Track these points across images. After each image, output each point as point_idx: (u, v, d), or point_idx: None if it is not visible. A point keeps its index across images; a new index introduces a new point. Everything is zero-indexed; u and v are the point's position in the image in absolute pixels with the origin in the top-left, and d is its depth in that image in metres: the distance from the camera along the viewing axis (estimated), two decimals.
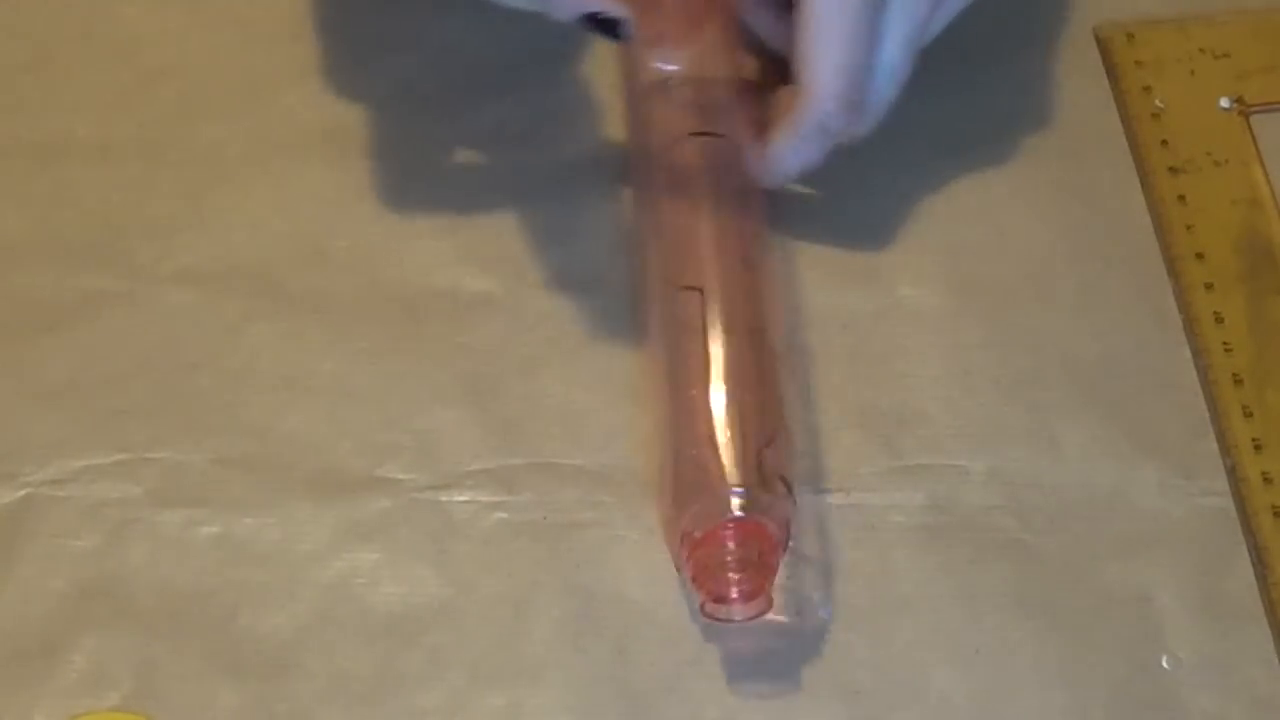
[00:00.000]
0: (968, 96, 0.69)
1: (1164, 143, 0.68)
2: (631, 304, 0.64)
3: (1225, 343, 0.64)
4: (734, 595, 0.57)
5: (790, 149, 0.62)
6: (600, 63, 0.70)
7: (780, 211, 0.65)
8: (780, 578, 0.58)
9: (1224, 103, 0.69)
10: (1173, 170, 0.68)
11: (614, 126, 0.68)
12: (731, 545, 0.57)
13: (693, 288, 0.60)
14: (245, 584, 0.60)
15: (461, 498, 0.61)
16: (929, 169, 0.67)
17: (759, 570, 0.57)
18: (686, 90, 0.64)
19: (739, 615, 0.57)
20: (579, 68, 0.70)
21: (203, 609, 0.59)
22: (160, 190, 0.67)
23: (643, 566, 0.60)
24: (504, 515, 0.61)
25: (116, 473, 0.61)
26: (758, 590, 0.57)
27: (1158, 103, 0.69)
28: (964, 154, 0.68)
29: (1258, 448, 0.62)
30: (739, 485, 0.57)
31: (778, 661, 0.59)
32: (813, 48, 0.60)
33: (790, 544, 0.58)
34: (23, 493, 0.61)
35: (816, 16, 0.60)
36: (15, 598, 0.60)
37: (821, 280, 0.65)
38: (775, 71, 0.64)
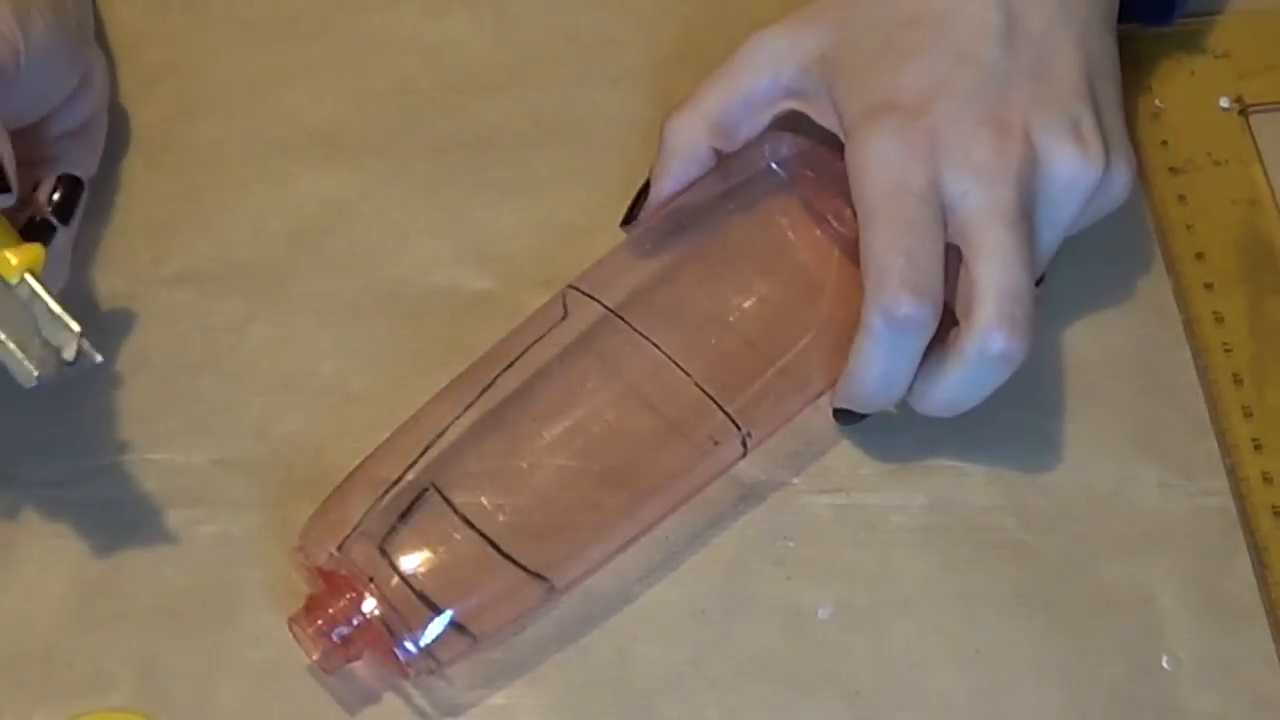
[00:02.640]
0: None
1: (1164, 143, 0.68)
2: None
3: (1225, 343, 0.64)
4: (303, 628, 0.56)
5: (953, 381, 0.59)
6: (599, 64, 0.70)
7: None
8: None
9: (1224, 103, 0.69)
10: (1173, 170, 0.68)
11: (612, 127, 0.69)
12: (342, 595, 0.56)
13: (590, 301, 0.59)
14: (245, 583, 0.60)
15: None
16: None
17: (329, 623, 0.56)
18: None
19: (301, 638, 0.57)
20: (578, 69, 0.70)
21: (203, 609, 0.59)
22: (160, 190, 0.67)
23: (642, 567, 0.60)
24: None
25: (116, 473, 0.61)
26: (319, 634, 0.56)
27: (1158, 103, 0.69)
28: None
29: (1258, 448, 0.62)
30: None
31: (778, 661, 0.59)
32: (980, 279, 0.58)
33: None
34: (23, 493, 0.61)
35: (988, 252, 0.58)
36: (15, 598, 0.60)
37: None
38: None
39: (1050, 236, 0.60)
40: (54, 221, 0.59)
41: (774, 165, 0.62)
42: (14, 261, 0.55)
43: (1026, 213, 0.58)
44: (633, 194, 0.65)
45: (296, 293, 0.65)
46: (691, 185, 0.62)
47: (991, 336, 0.57)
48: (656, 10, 0.71)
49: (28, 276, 0.55)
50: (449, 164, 0.68)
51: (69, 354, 0.54)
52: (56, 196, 0.59)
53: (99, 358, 0.55)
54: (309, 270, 0.66)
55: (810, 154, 0.61)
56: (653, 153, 0.65)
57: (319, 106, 0.69)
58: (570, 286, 0.60)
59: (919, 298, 0.57)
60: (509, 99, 0.69)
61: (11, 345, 0.54)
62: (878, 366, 0.58)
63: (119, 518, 0.61)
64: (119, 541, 0.60)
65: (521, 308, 0.62)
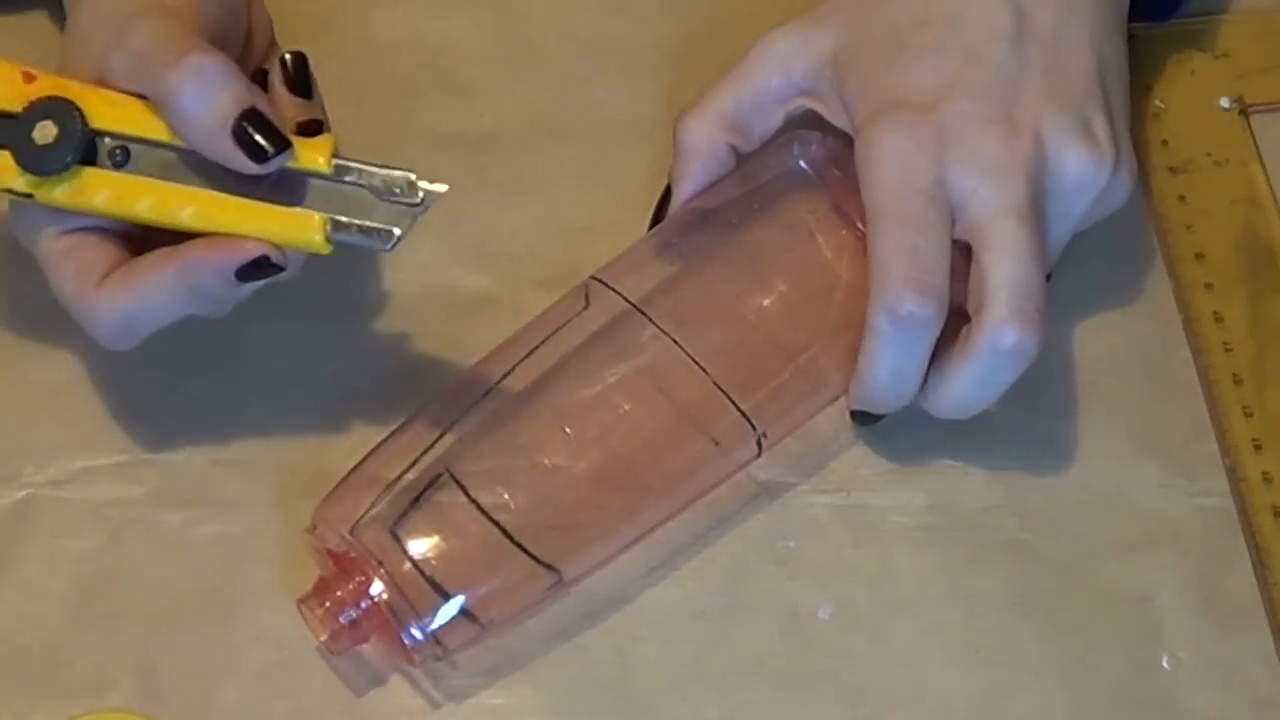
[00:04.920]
0: None
1: (1164, 143, 0.68)
2: None
3: (1225, 343, 0.64)
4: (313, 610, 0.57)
5: (966, 378, 0.58)
6: (600, 64, 0.70)
7: None
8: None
9: (1224, 103, 0.69)
10: (1173, 170, 0.67)
11: (612, 127, 0.68)
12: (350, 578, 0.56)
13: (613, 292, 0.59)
14: (245, 583, 0.60)
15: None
16: None
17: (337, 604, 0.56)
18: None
19: (309, 619, 0.57)
20: (578, 69, 0.70)
21: (203, 609, 0.59)
22: None
23: (642, 567, 0.60)
24: None
25: (116, 473, 0.61)
26: (327, 616, 0.56)
27: (1158, 103, 0.69)
28: None
29: (1258, 448, 0.62)
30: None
31: (778, 661, 0.59)
32: (993, 272, 0.58)
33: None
34: (23, 493, 0.61)
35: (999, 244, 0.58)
36: (15, 598, 0.60)
37: None
38: None
39: (1059, 234, 0.60)
40: (300, 96, 0.59)
41: (802, 164, 0.62)
42: (317, 154, 0.56)
43: (1036, 209, 0.58)
44: (632, 194, 0.65)
45: (297, 292, 0.65)
46: (713, 184, 0.62)
47: (1004, 330, 0.57)
48: (656, 10, 0.71)
49: (337, 160, 0.56)
50: (449, 164, 0.68)
51: (415, 198, 0.56)
52: (290, 77, 0.59)
53: (444, 186, 0.56)
54: (309, 270, 0.65)
55: (839, 154, 0.61)
56: (654, 152, 0.65)
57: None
58: (593, 277, 0.60)
59: (922, 296, 0.57)
60: (509, 99, 0.69)
61: (358, 221, 0.56)
62: (886, 365, 0.58)
63: (119, 518, 0.61)
64: (119, 541, 0.60)
65: (521, 307, 0.62)
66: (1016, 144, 0.58)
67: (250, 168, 0.55)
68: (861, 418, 0.61)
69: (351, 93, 0.69)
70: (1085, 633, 0.60)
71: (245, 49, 0.61)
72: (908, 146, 0.58)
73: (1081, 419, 0.63)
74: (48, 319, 0.61)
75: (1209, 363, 0.64)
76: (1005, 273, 0.57)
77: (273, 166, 0.55)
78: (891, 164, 0.58)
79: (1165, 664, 0.59)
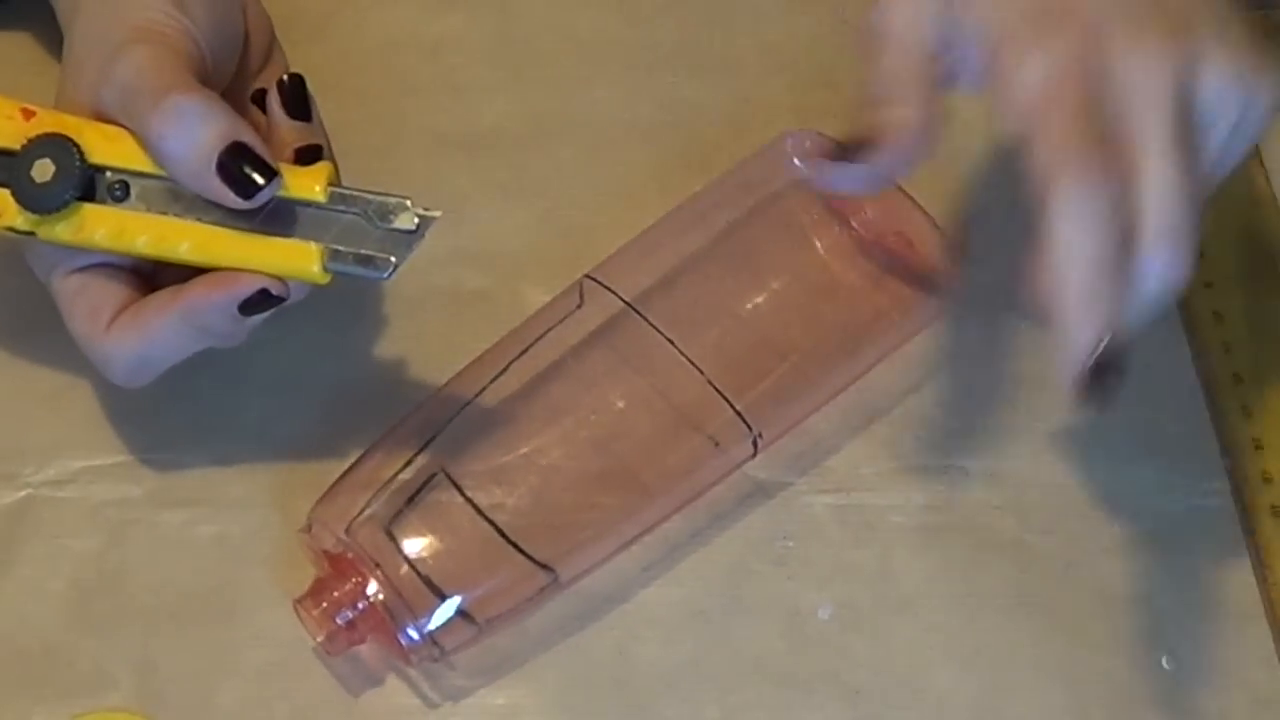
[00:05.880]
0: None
1: None
2: None
3: (1225, 343, 0.64)
4: (309, 611, 0.57)
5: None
6: (600, 64, 0.70)
7: None
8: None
9: None
10: None
11: (612, 127, 0.69)
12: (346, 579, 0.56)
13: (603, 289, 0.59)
14: (244, 583, 0.60)
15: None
16: None
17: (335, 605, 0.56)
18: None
19: (305, 620, 0.57)
20: (578, 69, 0.70)
21: (203, 609, 0.60)
22: None
23: (642, 566, 0.60)
24: None
25: (116, 473, 0.61)
26: (323, 617, 0.56)
27: None
28: (963, 156, 0.68)
29: (1258, 448, 0.62)
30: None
31: (778, 661, 0.59)
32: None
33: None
34: (23, 493, 0.61)
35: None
36: (15, 598, 0.60)
37: None
38: None
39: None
40: (298, 119, 0.58)
41: (796, 162, 0.62)
42: (313, 182, 0.56)
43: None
44: (632, 194, 0.65)
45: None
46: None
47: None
48: (656, 10, 0.71)
49: (333, 188, 0.56)
50: (449, 164, 0.68)
51: (411, 224, 0.55)
52: (286, 100, 0.58)
53: (439, 212, 0.55)
54: None
55: (834, 152, 0.61)
56: (654, 152, 0.66)
57: (319, 106, 0.69)
58: (588, 276, 0.60)
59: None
60: (509, 99, 0.69)
61: (354, 250, 0.55)
62: (1079, 249, 0.52)
63: (119, 518, 0.61)
64: (119, 541, 0.60)
65: (520, 307, 0.62)
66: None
67: (238, 203, 0.55)
68: (1093, 384, 0.53)
69: (351, 93, 0.69)
70: (1085, 633, 0.60)
71: (243, 54, 0.61)
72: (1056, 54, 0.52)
73: (1081, 418, 0.63)
74: (47, 319, 0.60)
75: (1209, 363, 0.64)
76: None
77: (260, 200, 0.55)
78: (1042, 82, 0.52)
79: (1165, 664, 0.59)
